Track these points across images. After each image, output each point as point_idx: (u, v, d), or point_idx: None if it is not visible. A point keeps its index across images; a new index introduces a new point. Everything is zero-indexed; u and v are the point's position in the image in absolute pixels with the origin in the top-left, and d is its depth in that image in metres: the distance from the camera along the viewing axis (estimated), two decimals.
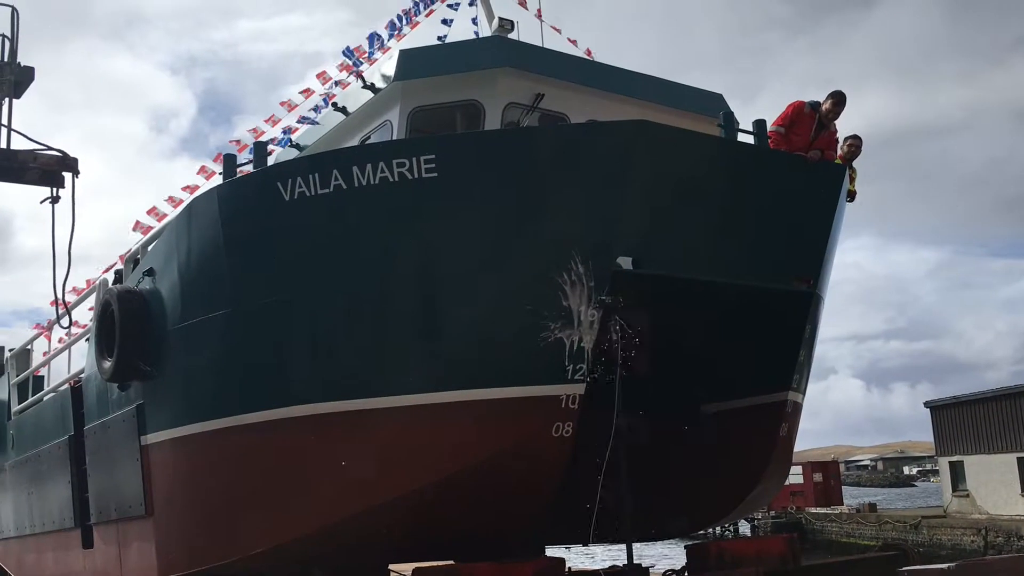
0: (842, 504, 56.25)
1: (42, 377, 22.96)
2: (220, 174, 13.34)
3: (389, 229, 10.77)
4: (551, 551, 13.23)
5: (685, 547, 11.88)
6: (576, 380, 10.20)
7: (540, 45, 14.42)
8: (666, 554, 22.20)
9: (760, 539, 21.04)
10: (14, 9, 10.06)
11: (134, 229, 17.27)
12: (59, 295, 10.79)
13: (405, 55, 12.90)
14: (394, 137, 12.70)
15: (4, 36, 10.11)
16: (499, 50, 13.09)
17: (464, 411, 10.34)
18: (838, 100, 12.26)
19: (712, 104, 13.67)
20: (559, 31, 16.67)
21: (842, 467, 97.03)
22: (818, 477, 57.39)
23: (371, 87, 13.17)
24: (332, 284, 11.10)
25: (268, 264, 11.61)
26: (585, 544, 15.00)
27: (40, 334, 22.88)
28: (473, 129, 12.63)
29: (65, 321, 12.41)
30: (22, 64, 10.21)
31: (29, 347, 23.66)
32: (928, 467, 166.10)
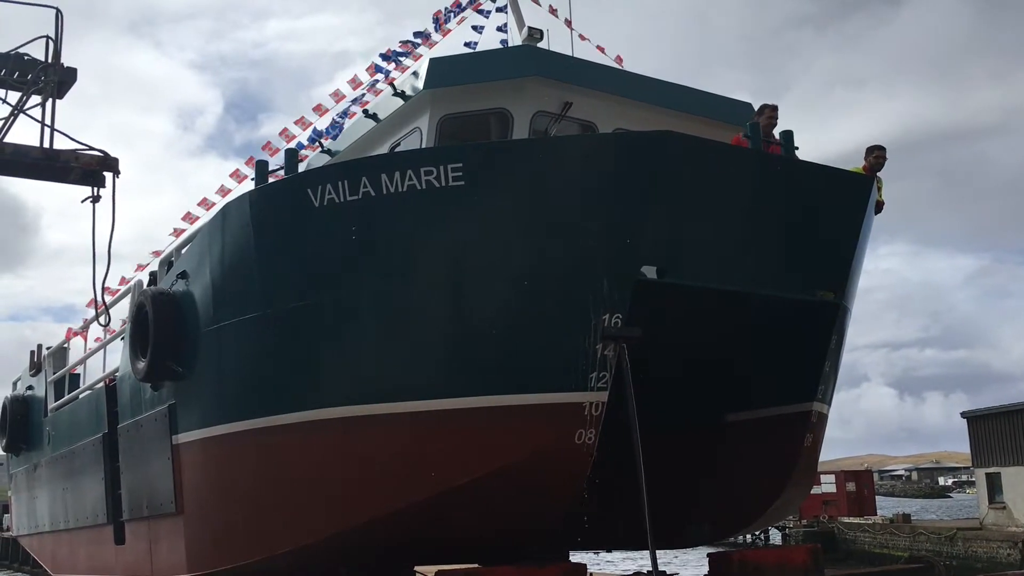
0: (875, 514, 55.49)
1: (78, 375, 23.41)
2: (252, 179, 13.56)
3: (417, 237, 10.90)
4: (574, 557, 13.30)
5: (708, 555, 11.87)
6: (599, 388, 10.25)
7: (570, 53, 14.50)
8: (692, 561, 22.11)
9: (783, 548, 20.91)
10: (58, 11, 10.00)
11: (170, 235, 17.59)
12: (98, 295, 10.84)
13: (435, 63, 13.04)
14: (423, 144, 12.82)
15: (48, 37, 10.12)
16: (528, 59, 13.19)
17: (488, 416, 10.42)
18: (763, 109, 12.89)
19: (740, 113, 13.65)
20: (587, 39, 16.77)
21: (875, 477, 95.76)
22: (851, 486, 56.63)
23: (401, 94, 13.34)
24: (361, 290, 11.24)
25: (298, 268, 11.78)
26: (609, 550, 15.07)
27: (76, 334, 23.30)
28: (502, 137, 12.73)
29: (104, 319, 12.55)
30: (65, 65, 10.14)
31: (66, 345, 24.11)
32: (963, 478, 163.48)
